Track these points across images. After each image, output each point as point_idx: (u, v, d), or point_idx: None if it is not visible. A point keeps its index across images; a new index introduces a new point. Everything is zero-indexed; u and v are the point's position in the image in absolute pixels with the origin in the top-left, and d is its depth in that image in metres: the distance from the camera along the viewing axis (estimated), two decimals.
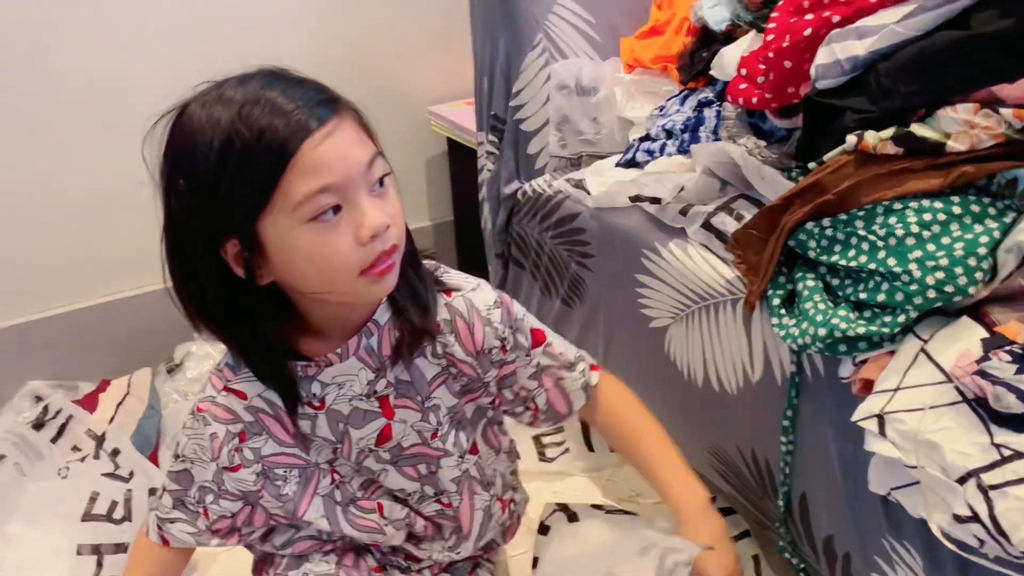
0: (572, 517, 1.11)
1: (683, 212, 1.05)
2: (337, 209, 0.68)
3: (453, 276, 0.87)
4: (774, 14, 0.99)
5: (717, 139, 1.08)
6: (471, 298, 0.84)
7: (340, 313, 0.78)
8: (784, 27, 0.96)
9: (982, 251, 0.69)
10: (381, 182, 0.71)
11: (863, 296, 0.75)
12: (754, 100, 1.01)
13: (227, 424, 0.81)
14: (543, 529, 1.12)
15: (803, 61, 0.93)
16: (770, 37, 0.98)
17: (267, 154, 0.64)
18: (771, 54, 0.96)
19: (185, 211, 0.69)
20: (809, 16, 0.93)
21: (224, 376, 0.82)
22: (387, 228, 0.70)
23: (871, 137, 0.79)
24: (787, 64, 0.95)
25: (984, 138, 0.72)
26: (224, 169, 0.65)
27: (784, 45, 0.94)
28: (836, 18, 0.88)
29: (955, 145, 0.73)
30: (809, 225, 0.82)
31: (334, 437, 0.83)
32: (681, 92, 1.23)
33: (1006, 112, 0.71)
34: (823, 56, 0.88)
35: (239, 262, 0.69)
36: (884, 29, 0.82)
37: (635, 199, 1.10)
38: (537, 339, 0.88)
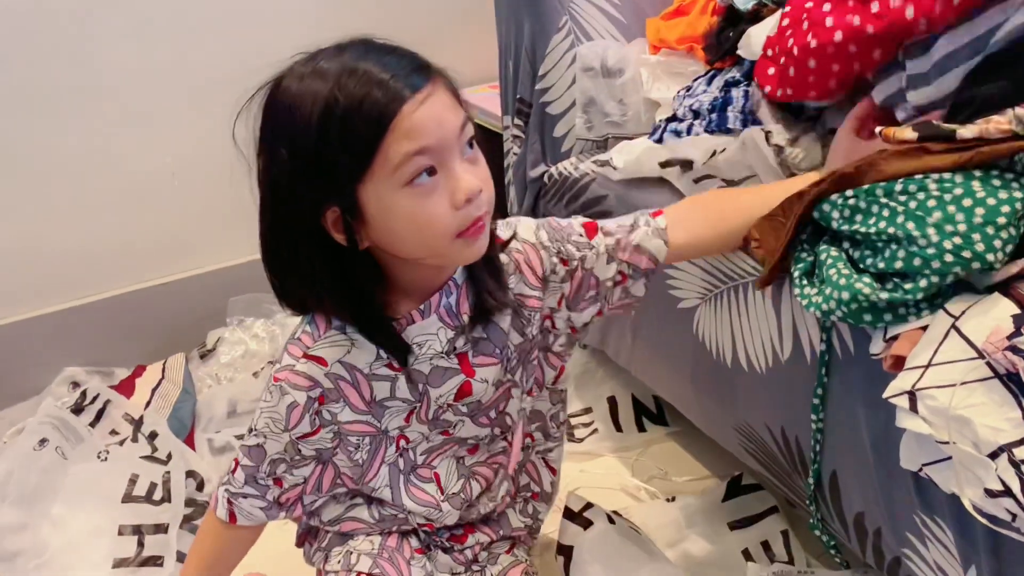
0: (587, 523, 1.12)
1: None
2: (432, 172, 0.70)
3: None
4: None
5: (746, 119, 1.08)
6: (520, 233, 0.87)
7: (428, 275, 0.80)
8: (800, 13, 0.95)
9: (1002, 220, 0.68)
10: (472, 147, 0.74)
11: (881, 265, 0.75)
12: (779, 93, 1.01)
13: (307, 391, 0.83)
14: (568, 514, 1.14)
15: (830, 64, 0.93)
16: (785, 22, 0.98)
17: (367, 120, 0.67)
18: (795, 49, 0.95)
19: (288, 181, 0.71)
20: (827, 6, 0.92)
21: (303, 343, 0.83)
22: (480, 192, 0.73)
23: (892, 127, 0.79)
24: (811, 64, 0.94)
25: (992, 131, 0.72)
26: (326, 136, 0.68)
27: (811, 44, 0.93)
28: (870, 29, 0.87)
29: (964, 133, 0.73)
30: (833, 196, 0.82)
31: (413, 397, 0.85)
32: (708, 72, 1.23)
33: (1019, 110, 0.71)
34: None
35: (339, 229, 0.72)
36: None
37: (665, 164, 1.10)
38: (590, 229, 0.90)
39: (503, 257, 0.85)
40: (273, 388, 0.84)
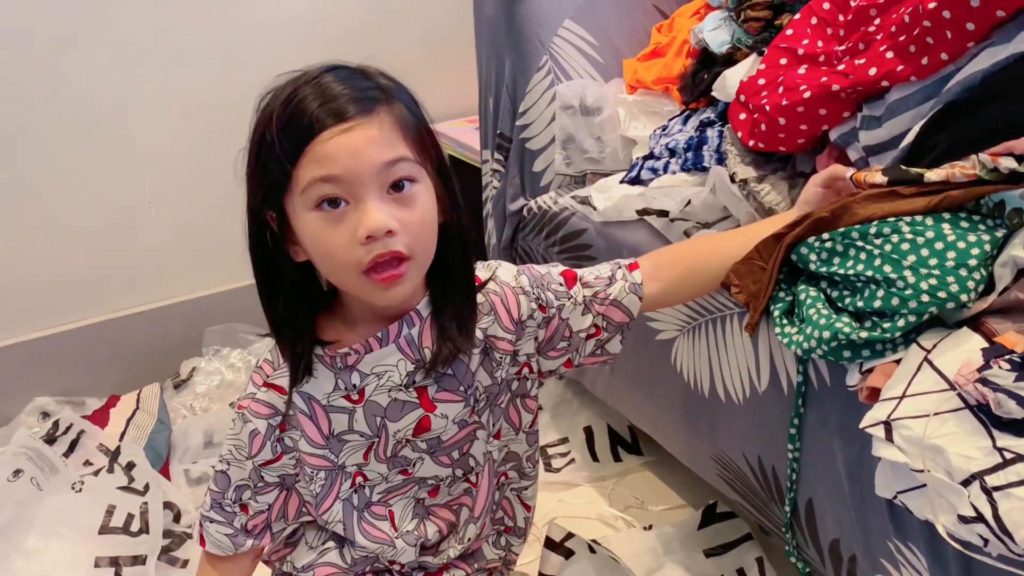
0: (568, 553, 1.13)
1: (687, 233, 1.09)
2: (338, 203, 0.71)
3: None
4: (763, 57, 1.04)
5: (721, 157, 1.12)
6: (499, 275, 0.87)
7: (374, 306, 0.80)
8: (776, 74, 1.00)
9: (972, 262, 0.72)
10: (402, 186, 0.73)
11: (860, 304, 0.78)
12: (751, 143, 1.06)
13: (267, 419, 0.84)
14: (549, 544, 1.15)
15: (799, 123, 0.98)
16: (761, 81, 1.03)
17: (289, 138, 0.70)
18: (767, 106, 1.00)
19: (246, 174, 0.75)
20: (803, 69, 0.97)
21: (264, 372, 0.85)
22: (389, 233, 0.71)
23: (863, 171, 0.84)
24: (781, 121, 0.99)
25: (958, 175, 0.76)
26: (261, 150, 0.72)
27: (782, 103, 0.98)
28: (835, 87, 0.93)
29: (932, 177, 0.77)
30: (810, 239, 0.86)
31: (371, 431, 0.85)
32: (683, 112, 1.27)
33: (983, 156, 0.75)
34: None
35: (278, 234, 0.76)
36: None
37: (642, 212, 1.14)
38: (569, 278, 0.90)
39: (479, 297, 0.85)
40: (237, 416, 0.85)
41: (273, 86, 0.74)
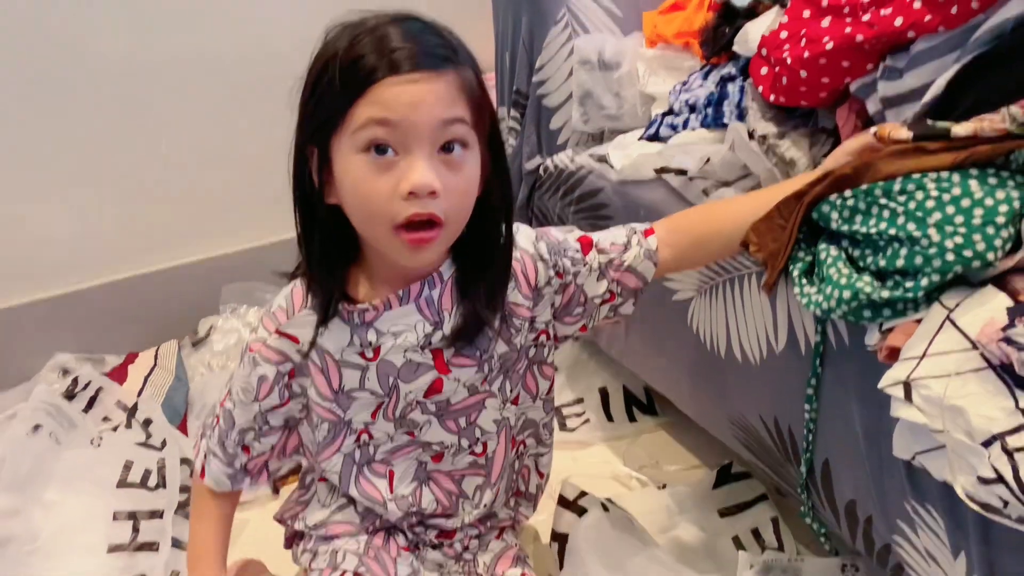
0: (581, 511, 1.14)
1: (705, 192, 1.07)
2: (386, 150, 0.71)
3: None
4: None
5: (742, 113, 1.10)
6: (518, 241, 0.86)
7: (397, 263, 0.79)
8: (799, 27, 0.97)
9: (1000, 219, 0.70)
10: (452, 148, 0.72)
11: (882, 263, 0.77)
12: (771, 98, 1.03)
13: (277, 365, 0.84)
14: (563, 502, 1.15)
15: (820, 76, 0.95)
16: (783, 34, 1.00)
17: (353, 77, 0.70)
18: (789, 59, 0.97)
19: (299, 107, 0.75)
20: (826, 22, 0.94)
21: (277, 319, 0.84)
22: (431, 193, 0.71)
23: (887, 126, 0.81)
24: (803, 74, 0.96)
25: (987, 130, 0.73)
26: (319, 83, 0.72)
27: (804, 55, 0.95)
28: (859, 37, 0.89)
29: (959, 132, 0.75)
30: (832, 197, 0.84)
31: (382, 391, 0.85)
32: (704, 67, 1.25)
33: (1014, 109, 0.72)
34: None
35: (315, 171, 0.75)
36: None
37: (661, 171, 1.12)
38: (585, 244, 0.89)
39: None
40: (246, 358, 0.85)
41: (343, 20, 0.74)
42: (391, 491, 0.92)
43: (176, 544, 1.19)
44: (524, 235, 0.88)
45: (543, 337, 0.91)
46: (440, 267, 0.82)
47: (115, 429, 1.39)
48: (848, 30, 0.91)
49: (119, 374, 1.56)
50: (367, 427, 0.88)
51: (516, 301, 0.86)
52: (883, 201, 0.77)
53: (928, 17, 0.83)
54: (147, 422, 1.38)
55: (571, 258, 0.88)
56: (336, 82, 0.70)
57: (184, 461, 1.31)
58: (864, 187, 0.79)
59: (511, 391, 0.91)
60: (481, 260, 0.82)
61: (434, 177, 0.71)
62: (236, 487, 0.93)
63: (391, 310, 0.81)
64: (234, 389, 0.87)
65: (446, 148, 0.72)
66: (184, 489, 1.27)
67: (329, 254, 0.80)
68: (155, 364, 1.58)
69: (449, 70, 0.71)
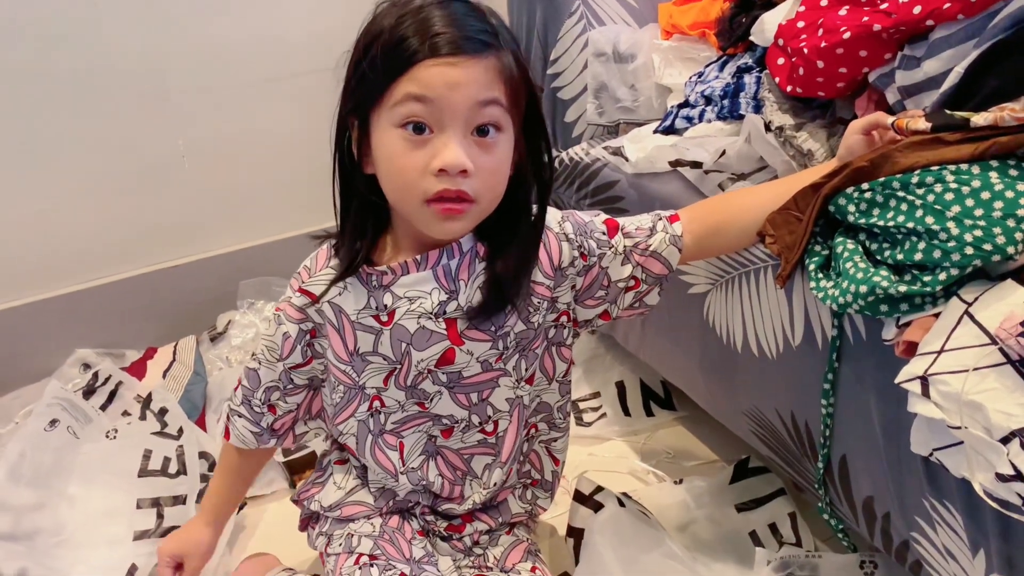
0: (597, 506, 1.13)
1: (721, 186, 1.06)
2: (423, 128, 0.73)
3: None
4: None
5: (758, 105, 1.08)
6: (544, 220, 0.87)
7: (423, 233, 0.81)
8: (816, 16, 0.96)
9: (1021, 212, 0.69)
10: (486, 131, 0.75)
11: (900, 257, 0.75)
12: (788, 89, 1.02)
13: (299, 323, 0.87)
14: (579, 497, 1.15)
15: (838, 64, 0.94)
16: (800, 24, 0.98)
17: (397, 56, 0.72)
18: (806, 49, 0.96)
19: (345, 80, 0.78)
20: (844, 11, 0.92)
21: (301, 277, 0.88)
22: (462, 172, 0.73)
23: (905, 115, 0.80)
24: (820, 64, 0.95)
25: (1007, 118, 0.72)
26: (366, 54, 0.74)
27: (821, 45, 0.93)
28: (877, 26, 0.88)
29: (978, 121, 0.73)
30: (849, 190, 0.83)
31: (395, 356, 0.86)
32: (720, 58, 1.23)
33: None
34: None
35: (355, 141, 0.79)
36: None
37: (675, 164, 1.11)
38: (611, 227, 0.90)
39: None
40: (274, 317, 0.89)
41: (383, 6, 0.76)
42: (403, 463, 0.93)
43: None
44: (550, 215, 0.88)
45: (564, 318, 0.91)
46: (461, 238, 0.83)
47: (130, 422, 1.40)
48: (866, 19, 0.90)
49: (138, 369, 1.57)
50: (380, 394, 0.89)
51: (536, 279, 0.86)
52: (901, 194, 0.76)
53: (947, 5, 0.82)
54: (162, 411, 1.39)
55: (596, 240, 0.89)
56: (379, 59, 0.72)
57: (202, 455, 1.32)
58: (881, 179, 0.78)
59: (526, 370, 0.91)
60: (509, 238, 0.83)
61: (465, 157, 0.73)
62: (263, 445, 0.95)
63: (408, 275, 0.83)
64: (260, 349, 0.90)
65: (481, 131, 0.75)
66: (204, 478, 1.28)
67: (363, 221, 0.83)
68: (174, 359, 1.59)
69: (489, 55, 0.73)
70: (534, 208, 0.85)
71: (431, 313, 0.83)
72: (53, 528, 1.19)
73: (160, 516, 1.22)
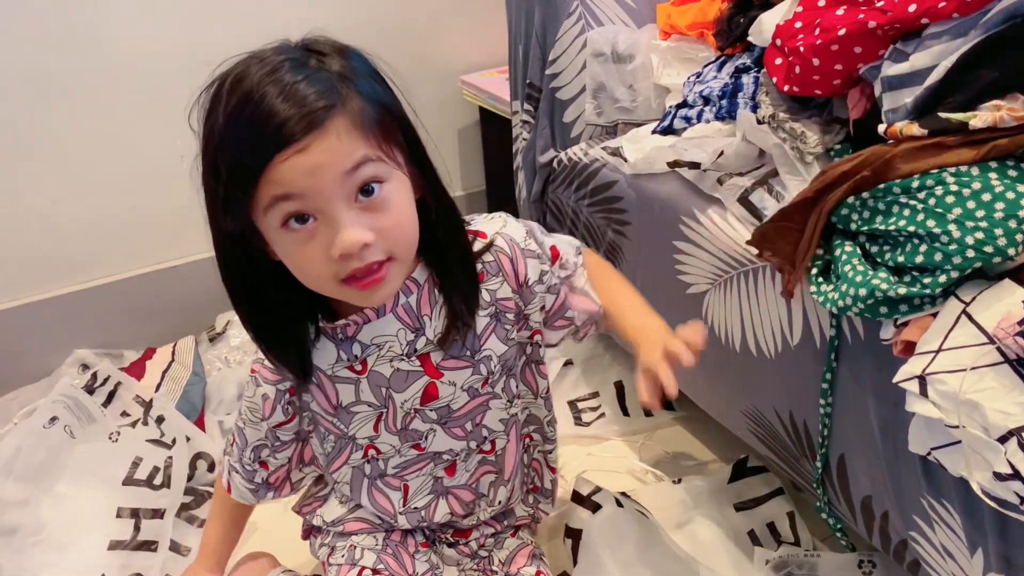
0: (595, 507, 1.13)
1: (719, 182, 1.06)
2: (306, 219, 0.66)
3: (476, 219, 0.86)
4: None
5: (756, 105, 1.08)
6: (509, 234, 0.84)
7: None
8: (813, 16, 0.96)
9: (1022, 213, 0.69)
10: (371, 190, 0.68)
11: (901, 259, 0.76)
12: (786, 88, 1.02)
13: (276, 384, 0.85)
14: (576, 497, 1.15)
15: (833, 61, 0.94)
16: (798, 24, 0.98)
17: (243, 169, 0.65)
18: (802, 48, 0.96)
19: (204, 196, 0.70)
20: (841, 10, 0.93)
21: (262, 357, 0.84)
22: (363, 247, 0.67)
23: (899, 123, 0.80)
24: (815, 62, 0.95)
25: (1007, 119, 0.72)
26: (213, 176, 0.67)
27: (817, 43, 0.94)
28: (872, 23, 0.88)
29: (977, 123, 0.73)
30: (850, 200, 0.83)
31: (378, 401, 0.85)
32: (718, 58, 1.23)
33: None
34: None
35: (251, 239, 0.71)
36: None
37: (673, 164, 1.11)
38: (554, 255, 0.88)
39: (487, 255, 0.82)
40: (250, 379, 0.86)
41: (212, 91, 0.68)
42: (404, 504, 0.93)
43: (174, 547, 1.19)
44: (514, 228, 0.85)
45: (538, 336, 0.89)
46: (413, 273, 0.80)
47: (133, 425, 1.40)
48: (861, 16, 0.90)
49: (137, 369, 1.57)
50: (372, 442, 0.88)
51: (505, 295, 0.84)
52: (903, 199, 0.76)
53: (942, 4, 0.82)
54: (160, 419, 1.38)
55: (551, 265, 0.87)
56: (227, 175, 0.65)
57: (200, 456, 1.32)
58: (882, 186, 0.78)
59: (515, 388, 0.91)
60: (444, 262, 0.79)
61: (360, 231, 0.67)
62: (261, 500, 0.95)
63: (370, 323, 0.79)
64: (243, 408, 0.88)
65: (364, 191, 0.67)
66: (188, 492, 1.27)
67: (282, 320, 0.77)
68: (172, 359, 1.59)
69: (336, 116, 0.65)
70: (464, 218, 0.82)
71: (402, 355, 0.81)
72: (33, 527, 1.19)
73: (137, 528, 1.20)
